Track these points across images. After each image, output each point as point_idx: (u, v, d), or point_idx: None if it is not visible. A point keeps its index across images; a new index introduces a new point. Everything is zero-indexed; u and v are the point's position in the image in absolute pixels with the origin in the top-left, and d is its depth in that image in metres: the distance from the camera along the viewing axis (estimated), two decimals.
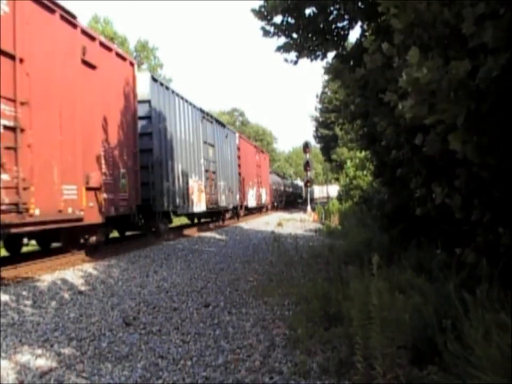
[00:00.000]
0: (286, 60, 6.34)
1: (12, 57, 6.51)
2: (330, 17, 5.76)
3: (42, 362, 3.56)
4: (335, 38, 5.93)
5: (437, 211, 3.88)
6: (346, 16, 5.73)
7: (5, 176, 6.19)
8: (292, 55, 6.20)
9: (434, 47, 2.73)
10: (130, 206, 10.14)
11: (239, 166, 21.76)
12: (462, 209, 3.06)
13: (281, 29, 5.94)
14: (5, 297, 5.40)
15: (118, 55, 9.91)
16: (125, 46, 33.59)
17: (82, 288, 6.20)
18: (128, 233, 12.68)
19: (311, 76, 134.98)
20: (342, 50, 6.02)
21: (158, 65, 39.28)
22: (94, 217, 8.45)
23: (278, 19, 5.95)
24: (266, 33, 6.06)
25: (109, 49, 9.53)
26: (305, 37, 5.87)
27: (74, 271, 7.23)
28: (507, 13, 2.27)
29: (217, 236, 14.02)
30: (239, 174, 21.64)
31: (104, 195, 8.90)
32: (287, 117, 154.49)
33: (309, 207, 27.48)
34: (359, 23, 5.82)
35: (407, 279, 3.73)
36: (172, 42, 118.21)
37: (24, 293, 5.72)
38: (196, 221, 17.88)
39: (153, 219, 11.61)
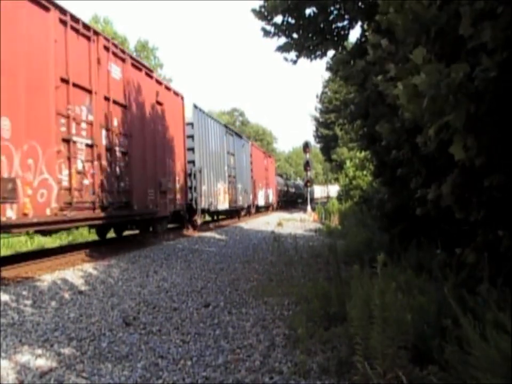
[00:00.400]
0: (285, 59, 6.35)
1: (124, 106, 10.08)
2: (331, 17, 5.77)
3: (42, 362, 3.56)
4: (335, 38, 5.94)
5: (437, 211, 3.88)
6: (346, 16, 5.73)
7: (121, 184, 9.72)
8: (292, 54, 6.22)
9: (433, 49, 2.73)
10: (181, 204, 13.61)
11: (252, 170, 25.03)
12: (462, 210, 3.06)
13: (282, 29, 5.95)
14: (5, 297, 5.40)
15: (174, 92, 13.56)
16: (125, 46, 33.58)
17: (82, 288, 6.20)
18: (127, 233, 12.68)
19: (311, 76, 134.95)
20: (342, 50, 6.02)
21: (158, 65, 39.28)
22: (163, 212, 12.04)
23: (278, 19, 5.96)
24: (266, 33, 6.07)
25: (169, 89, 13.16)
26: (306, 37, 5.88)
27: (74, 271, 7.23)
28: (505, 11, 2.26)
29: (217, 236, 14.02)
30: (252, 177, 24.93)
31: (169, 196, 12.49)
32: (287, 117, 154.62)
33: (309, 207, 27.48)
34: (359, 23, 5.82)
35: (407, 279, 3.73)
36: (172, 42, 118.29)
37: (24, 292, 5.72)
38: (215, 217, 20.29)
39: (194, 215, 14.90)
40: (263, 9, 5.83)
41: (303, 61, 6.23)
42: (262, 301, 5.39)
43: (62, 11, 7.89)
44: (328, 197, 39.89)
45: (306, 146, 28.38)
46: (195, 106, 15.25)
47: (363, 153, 13.57)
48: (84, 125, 8.43)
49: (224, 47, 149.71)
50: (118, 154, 9.68)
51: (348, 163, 19.67)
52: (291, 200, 43.06)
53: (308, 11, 5.73)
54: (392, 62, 3.18)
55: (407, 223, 5.60)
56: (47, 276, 6.81)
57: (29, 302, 5.36)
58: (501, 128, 2.56)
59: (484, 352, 2.05)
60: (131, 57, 10.65)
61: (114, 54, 9.71)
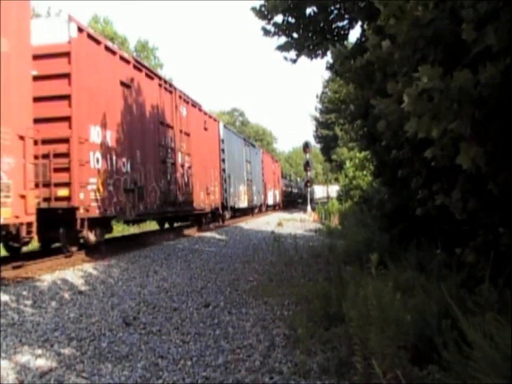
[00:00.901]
0: (285, 58, 6.35)
1: (188, 134, 14.34)
2: (331, 17, 5.76)
3: (42, 362, 3.56)
4: (335, 38, 5.93)
5: (437, 211, 3.88)
6: (346, 16, 5.73)
7: (187, 188, 14.11)
8: (292, 53, 6.21)
9: (435, 57, 2.72)
10: (218, 203, 17.91)
11: (263, 174, 29.77)
12: (463, 211, 3.05)
13: (282, 29, 5.95)
14: (5, 297, 5.40)
15: (214, 119, 18.49)
16: (125, 46, 33.57)
17: (82, 288, 6.20)
18: (128, 232, 12.68)
19: (311, 76, 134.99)
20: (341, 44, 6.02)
21: (158, 65, 39.27)
22: (208, 209, 16.49)
23: (278, 19, 5.96)
24: (266, 32, 6.06)
25: (211, 117, 18.03)
26: (306, 36, 5.88)
27: (74, 271, 7.23)
28: (508, 13, 2.25)
29: (217, 236, 14.02)
30: (263, 180, 29.74)
31: (211, 197, 16.81)
32: (287, 117, 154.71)
33: (309, 207, 27.49)
34: (359, 23, 5.82)
35: (407, 279, 3.73)
36: (172, 42, 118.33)
37: (24, 293, 5.72)
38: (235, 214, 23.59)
39: (224, 211, 18.97)
40: (263, 9, 5.82)
41: (303, 60, 6.25)
42: (262, 301, 5.39)
43: (159, 78, 12.68)
44: (328, 197, 40.18)
45: (306, 146, 28.41)
46: (224, 126, 20.29)
47: (363, 153, 13.57)
48: (169, 150, 12.79)
49: (224, 47, 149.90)
50: (186, 168, 14.05)
51: (348, 163, 19.67)
52: (294, 199, 47.35)
53: (308, 10, 5.73)
54: (393, 63, 3.19)
55: (407, 223, 5.59)
56: (47, 276, 6.80)
57: (29, 302, 5.36)
58: (505, 134, 2.54)
59: (483, 352, 2.05)
60: (192, 100, 15.07)
61: (183, 100, 14.18)
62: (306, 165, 27.91)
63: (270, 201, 32.55)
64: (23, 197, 6.77)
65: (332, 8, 5.69)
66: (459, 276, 3.33)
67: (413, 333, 2.76)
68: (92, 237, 8.63)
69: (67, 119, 8.24)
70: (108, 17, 37.70)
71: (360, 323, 2.71)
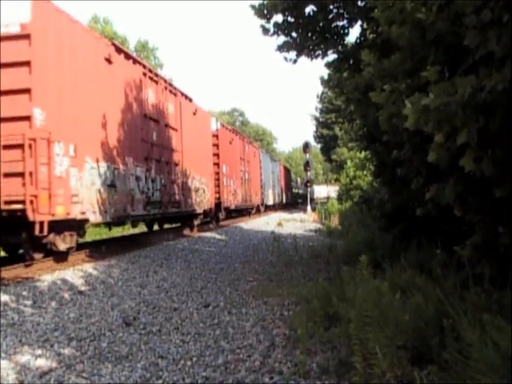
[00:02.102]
0: (285, 59, 6.34)
1: (244, 159, 23.39)
2: (330, 16, 5.76)
3: (42, 362, 3.56)
4: (335, 37, 5.93)
5: (437, 211, 3.88)
6: (346, 15, 5.73)
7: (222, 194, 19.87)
8: (292, 54, 6.21)
9: (436, 58, 2.72)
10: (259, 201, 27.47)
11: (280, 180, 38.74)
12: (462, 209, 3.04)
13: (281, 28, 5.95)
14: (5, 298, 5.40)
15: (255, 146, 28.42)
16: (125, 46, 33.56)
17: (82, 288, 6.20)
18: (130, 232, 12.67)
19: (311, 76, 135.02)
20: (341, 49, 6.02)
21: (158, 65, 39.26)
22: (256, 205, 26.77)
23: (277, 18, 5.95)
24: (265, 31, 6.06)
25: (253, 144, 28.30)
26: (305, 36, 5.87)
27: (74, 271, 7.22)
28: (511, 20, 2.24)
29: (217, 236, 14.02)
30: (280, 185, 39.05)
31: (261, 196, 27.76)
32: (287, 117, 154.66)
33: (309, 207, 27.50)
34: (359, 22, 5.82)
35: (407, 279, 3.73)
36: (172, 42, 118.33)
37: (24, 293, 5.72)
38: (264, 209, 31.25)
39: (262, 207, 28.46)
40: (262, 7, 5.82)
41: (303, 60, 6.24)
42: (262, 301, 5.39)
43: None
44: (328, 197, 40.54)
45: (306, 146, 28.42)
46: (262, 152, 31.05)
47: (363, 153, 13.56)
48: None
49: (224, 47, 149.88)
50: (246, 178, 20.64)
51: (348, 163, 19.68)
52: (295, 200, 51.49)
53: (308, 10, 5.74)
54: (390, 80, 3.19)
55: (407, 223, 5.60)
56: (47, 276, 6.80)
57: (29, 302, 5.36)
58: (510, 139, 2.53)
59: (483, 352, 2.05)
60: (248, 139, 21.28)
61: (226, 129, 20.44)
62: (306, 165, 27.91)
63: (284, 200, 42.15)
64: None
65: (331, 7, 5.69)
66: (459, 276, 3.33)
67: (412, 333, 2.76)
68: (60, 242, 7.50)
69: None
70: (107, 17, 37.70)
71: (359, 323, 2.71)
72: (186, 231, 14.68)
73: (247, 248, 10.87)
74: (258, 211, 27.30)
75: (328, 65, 6.49)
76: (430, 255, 4.39)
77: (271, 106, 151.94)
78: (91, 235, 13.30)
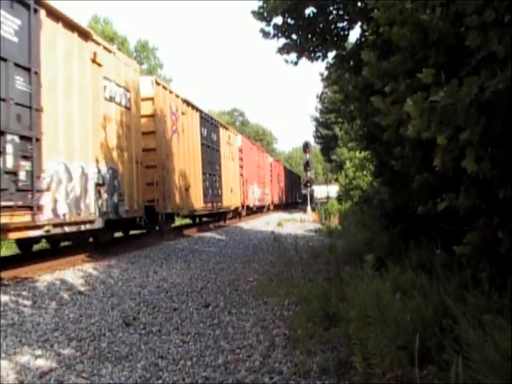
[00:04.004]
0: (286, 61, 6.34)
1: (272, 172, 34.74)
2: (330, 17, 5.76)
3: (42, 362, 3.56)
4: (335, 39, 5.93)
5: (437, 210, 3.87)
6: (346, 17, 5.73)
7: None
8: (292, 56, 6.20)
9: (436, 60, 2.71)
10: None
11: (284, 181, 42.55)
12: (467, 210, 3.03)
13: (281, 30, 5.94)
14: (4, 298, 5.40)
15: (276, 160, 37.40)
16: (125, 46, 33.56)
17: (82, 288, 6.20)
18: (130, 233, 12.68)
19: (311, 76, 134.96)
20: (342, 51, 6.01)
21: (157, 65, 39.26)
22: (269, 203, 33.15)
23: (277, 20, 5.95)
24: (266, 35, 6.05)
25: (278, 160, 41.12)
26: (305, 38, 5.87)
27: (74, 271, 7.23)
28: None
29: (217, 236, 14.02)
30: (286, 185, 44.20)
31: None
32: (287, 117, 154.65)
33: (309, 207, 27.50)
34: (359, 23, 5.82)
35: (407, 279, 3.73)
36: (171, 42, 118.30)
37: (24, 293, 5.72)
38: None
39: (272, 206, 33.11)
40: (262, 10, 5.82)
41: (303, 61, 6.23)
42: (262, 301, 5.39)
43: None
44: (328, 197, 40.70)
45: (306, 146, 28.44)
46: (286, 166, 45.07)
47: (363, 153, 13.56)
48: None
49: (224, 47, 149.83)
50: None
51: (348, 163, 19.68)
52: (305, 199, 55.51)
53: (308, 11, 5.73)
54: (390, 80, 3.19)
55: (407, 223, 5.59)
56: (47, 276, 6.80)
57: (28, 303, 5.36)
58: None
59: (483, 353, 2.05)
60: (262, 148, 25.44)
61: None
62: (306, 165, 27.93)
63: (298, 200, 48.65)
64: None
65: (331, 8, 5.69)
66: (459, 276, 3.33)
67: (412, 333, 2.75)
68: None
69: None
70: (107, 17, 37.68)
71: (359, 323, 2.71)
72: (187, 231, 14.68)
73: (247, 248, 10.87)
74: (268, 209, 30.89)
75: (328, 68, 6.49)
76: (430, 255, 4.39)
77: (271, 106, 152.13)
78: None
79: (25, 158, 6.63)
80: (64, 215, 7.50)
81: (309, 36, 5.89)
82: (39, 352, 3.77)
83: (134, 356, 3.73)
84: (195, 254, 9.86)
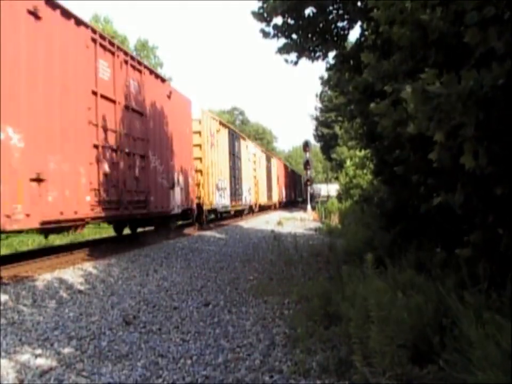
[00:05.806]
0: (286, 61, 6.32)
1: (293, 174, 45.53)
2: (330, 17, 5.74)
3: (42, 361, 3.56)
4: (335, 38, 5.91)
5: (437, 210, 3.87)
6: (346, 16, 5.72)
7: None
8: (292, 56, 6.18)
9: (436, 59, 2.71)
10: (286, 199, 40.70)
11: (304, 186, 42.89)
12: (463, 208, 3.04)
13: (281, 30, 5.93)
14: (4, 297, 5.40)
15: (295, 172, 51.90)
16: (125, 45, 33.51)
17: (82, 287, 6.20)
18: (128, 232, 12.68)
19: (311, 75, 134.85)
20: (342, 50, 6.00)
21: (157, 64, 39.24)
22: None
23: (277, 20, 5.93)
24: (266, 35, 6.03)
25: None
26: (305, 38, 5.85)
27: (74, 270, 7.22)
28: None
29: (217, 235, 14.02)
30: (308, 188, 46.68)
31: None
32: (287, 116, 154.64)
33: (309, 206, 27.51)
34: (359, 23, 5.80)
35: (407, 278, 3.73)
36: (171, 41, 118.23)
37: (24, 292, 5.72)
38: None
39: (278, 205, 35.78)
40: (261, 10, 5.80)
41: (303, 61, 6.21)
42: (262, 300, 5.39)
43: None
44: (328, 196, 40.93)
45: (306, 145, 28.46)
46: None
47: (363, 152, 13.54)
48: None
49: (224, 46, 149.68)
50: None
51: (348, 162, 19.66)
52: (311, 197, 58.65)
53: (307, 11, 5.71)
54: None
55: (407, 222, 5.59)
56: (47, 275, 6.80)
57: (28, 302, 5.36)
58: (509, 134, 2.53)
59: (484, 350, 2.05)
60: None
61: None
62: (306, 163, 27.96)
63: (299, 198, 51.43)
64: None
65: (331, 8, 5.67)
66: (459, 275, 3.33)
67: (412, 332, 2.76)
68: None
69: None
70: (107, 17, 37.66)
71: (359, 322, 2.71)
72: (187, 230, 14.68)
73: (247, 247, 10.87)
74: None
75: (329, 69, 6.48)
76: (430, 254, 4.39)
77: (271, 105, 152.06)
78: (91, 234, 13.29)
79: None
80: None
81: (309, 35, 5.87)
82: (39, 351, 3.77)
83: (134, 354, 3.73)
84: (195, 252, 9.86)
